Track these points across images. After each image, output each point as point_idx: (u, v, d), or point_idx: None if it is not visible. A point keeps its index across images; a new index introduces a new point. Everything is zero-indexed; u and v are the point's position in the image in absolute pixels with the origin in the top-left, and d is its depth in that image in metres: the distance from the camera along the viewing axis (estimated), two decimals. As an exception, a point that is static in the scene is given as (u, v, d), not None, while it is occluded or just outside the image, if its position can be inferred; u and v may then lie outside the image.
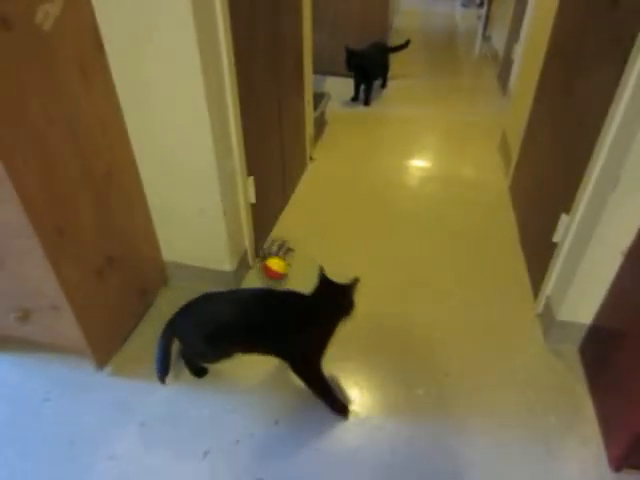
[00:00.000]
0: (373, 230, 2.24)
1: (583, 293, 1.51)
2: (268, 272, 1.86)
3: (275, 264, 1.85)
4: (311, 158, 2.78)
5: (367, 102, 3.58)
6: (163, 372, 1.40)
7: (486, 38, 5.13)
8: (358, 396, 1.49)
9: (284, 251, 1.95)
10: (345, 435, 1.38)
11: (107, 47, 1.34)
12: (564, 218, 1.57)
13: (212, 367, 1.54)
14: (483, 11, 5.27)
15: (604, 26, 1.54)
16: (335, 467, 1.30)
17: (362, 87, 3.59)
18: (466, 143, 3.10)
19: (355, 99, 3.64)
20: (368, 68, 3.50)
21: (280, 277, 1.86)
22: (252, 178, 1.79)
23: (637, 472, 1.28)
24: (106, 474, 1.28)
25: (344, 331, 1.35)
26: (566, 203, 1.56)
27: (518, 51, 3.16)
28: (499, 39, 4.36)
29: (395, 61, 3.93)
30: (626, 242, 1.36)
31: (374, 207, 2.41)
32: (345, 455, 1.33)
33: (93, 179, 1.39)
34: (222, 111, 1.51)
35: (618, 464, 1.28)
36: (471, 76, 4.40)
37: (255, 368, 1.55)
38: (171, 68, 1.34)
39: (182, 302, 1.51)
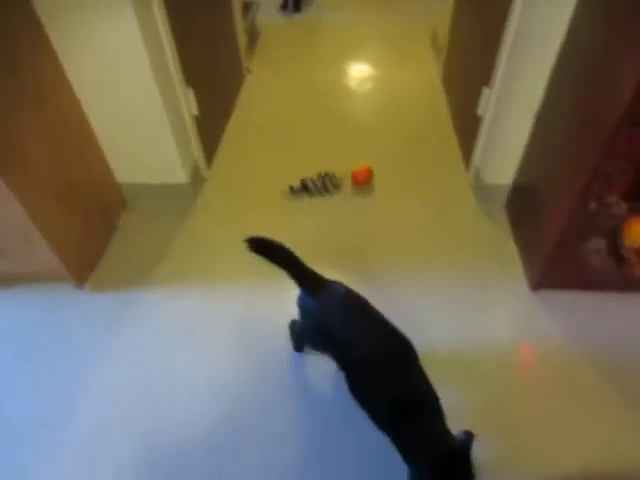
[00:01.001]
0: (317, 131, 2.34)
1: (503, 157, 1.72)
2: (358, 177, 1.99)
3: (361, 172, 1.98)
4: (248, 70, 2.77)
5: (297, 8, 3.51)
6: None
7: None
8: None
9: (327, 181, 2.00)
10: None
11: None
12: (485, 91, 1.72)
13: (186, 267, 1.70)
14: None
15: None
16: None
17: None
18: (399, 43, 3.15)
19: (285, 6, 3.55)
20: None
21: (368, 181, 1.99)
22: (192, 90, 1.83)
23: (547, 290, 1.58)
24: (112, 366, 1.44)
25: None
26: (486, 77, 1.71)
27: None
28: None
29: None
30: (535, 104, 1.54)
31: (315, 111, 2.49)
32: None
33: (31, 101, 1.40)
34: (152, 22, 1.51)
35: (535, 285, 1.57)
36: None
37: (220, 271, 1.71)
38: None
39: (145, 222, 1.60)
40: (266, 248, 1.13)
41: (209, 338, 1.50)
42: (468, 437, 0.90)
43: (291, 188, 1.97)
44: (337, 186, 2.00)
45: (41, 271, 1.60)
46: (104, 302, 1.61)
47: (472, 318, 1.53)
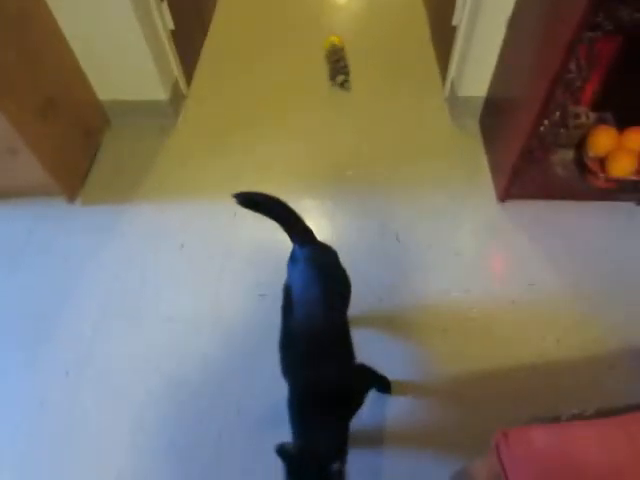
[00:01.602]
0: (294, 43, 2.33)
1: (478, 68, 1.76)
2: None
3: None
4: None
5: None
6: None
7: None
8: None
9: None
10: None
11: None
12: (457, 0, 1.73)
13: (173, 181, 1.77)
14: None
15: None
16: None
17: None
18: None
19: None
20: None
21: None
22: (166, 3, 1.79)
23: (513, 200, 1.69)
24: (102, 275, 1.56)
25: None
26: (461, -16, 1.71)
27: None
28: None
29: None
30: (507, 12, 1.56)
31: (293, 23, 2.45)
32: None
33: (7, 21, 1.40)
34: None
35: (502, 195, 1.68)
36: None
37: (206, 184, 1.79)
38: None
39: (128, 139, 1.60)
40: (256, 202, 1.10)
41: (196, 252, 1.60)
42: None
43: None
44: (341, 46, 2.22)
45: (30, 185, 1.67)
46: (96, 214, 1.71)
47: (440, 227, 1.65)
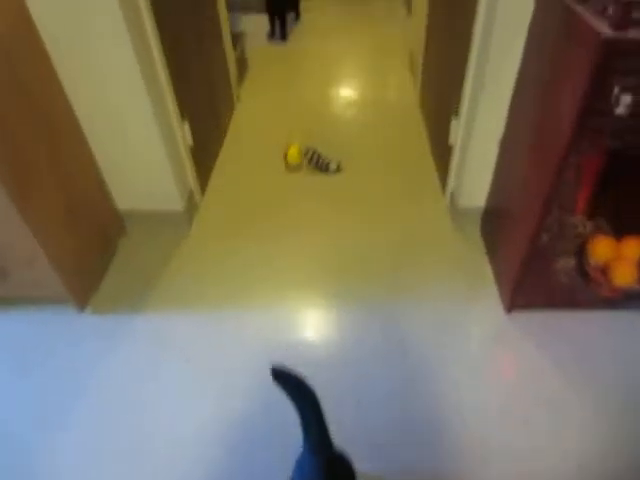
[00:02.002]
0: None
1: (475, 182, 1.86)
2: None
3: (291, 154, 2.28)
4: (238, 97, 2.93)
5: (284, 36, 3.68)
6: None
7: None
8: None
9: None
10: (299, 325, 1.71)
11: (39, 24, 1.46)
12: (454, 121, 1.88)
13: (184, 290, 1.82)
14: None
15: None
16: (292, 350, 1.63)
17: (277, 22, 3.67)
18: (381, 67, 3.33)
19: (272, 35, 3.73)
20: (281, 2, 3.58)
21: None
22: (187, 122, 1.96)
23: (521, 310, 1.70)
24: (105, 388, 1.54)
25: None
26: (455, 108, 1.86)
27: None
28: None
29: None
30: (498, 133, 1.69)
31: (301, 136, 2.64)
32: (299, 340, 1.66)
33: (40, 136, 1.52)
34: (149, 61, 1.66)
35: (508, 306, 1.69)
36: (381, 2, 4.52)
37: (216, 292, 1.83)
38: (95, 25, 1.48)
39: (143, 247, 1.67)
40: (290, 384, 0.97)
41: (203, 366, 1.59)
42: None
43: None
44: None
45: (43, 294, 1.71)
46: (104, 324, 1.72)
47: (445, 338, 1.64)
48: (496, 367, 1.57)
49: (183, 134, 1.94)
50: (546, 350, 1.60)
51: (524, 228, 1.53)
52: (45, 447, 1.40)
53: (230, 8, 2.76)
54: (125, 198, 1.97)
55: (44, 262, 1.57)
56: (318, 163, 2.30)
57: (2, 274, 1.63)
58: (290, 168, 2.31)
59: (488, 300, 1.75)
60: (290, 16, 3.79)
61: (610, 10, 1.10)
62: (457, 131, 1.85)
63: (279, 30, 3.67)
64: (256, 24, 3.78)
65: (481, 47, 1.59)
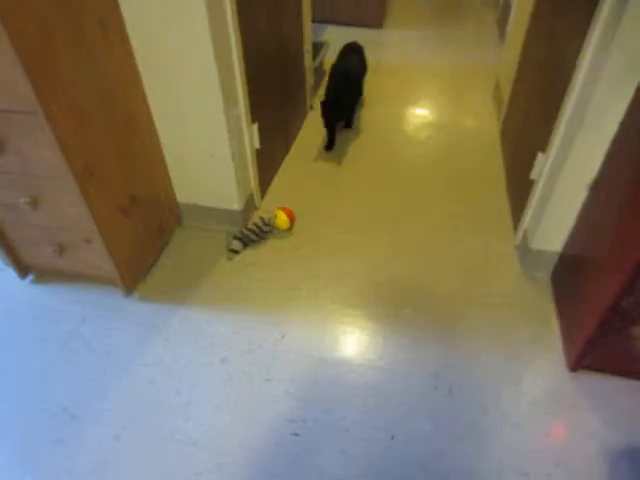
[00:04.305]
0: (371, 174, 2.40)
1: (554, 224, 1.70)
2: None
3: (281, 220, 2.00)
4: (311, 107, 2.90)
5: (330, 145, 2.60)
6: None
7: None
8: (353, 319, 1.72)
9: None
10: (342, 345, 1.62)
11: (123, 7, 1.47)
12: (540, 157, 1.73)
13: (229, 290, 1.78)
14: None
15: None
16: (331, 370, 1.54)
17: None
18: (463, 91, 3.19)
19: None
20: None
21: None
22: (256, 125, 1.94)
23: (587, 372, 1.53)
24: (139, 378, 1.52)
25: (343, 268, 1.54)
26: (543, 143, 1.72)
27: (516, -4, 3.19)
28: (501, -17, 4.32)
29: (398, 6, 3.97)
30: (590, 176, 1.53)
31: (373, 153, 2.56)
32: (339, 360, 1.57)
33: (115, 125, 1.55)
34: (228, 60, 1.64)
35: (573, 365, 1.52)
36: (472, 23, 4.39)
37: (261, 297, 1.78)
38: (181, 24, 1.48)
39: (195, 240, 1.64)
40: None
41: (238, 369, 1.55)
42: None
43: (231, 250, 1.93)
44: (268, 223, 1.98)
45: (95, 274, 1.73)
46: (148, 312, 1.72)
47: (498, 389, 1.50)
48: (545, 429, 1.41)
49: (251, 136, 1.92)
50: (607, 423, 1.42)
51: (607, 285, 1.36)
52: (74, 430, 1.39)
53: (315, 18, 2.75)
54: (186, 192, 1.97)
55: (100, 245, 1.58)
56: (253, 231, 1.97)
57: (60, 249, 1.66)
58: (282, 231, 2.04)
59: (550, 354, 1.59)
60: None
61: None
62: (542, 166, 1.70)
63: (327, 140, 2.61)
64: (339, 35, 3.75)
65: (585, 81, 1.44)
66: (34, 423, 1.41)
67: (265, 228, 1.97)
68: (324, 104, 2.41)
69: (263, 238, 1.99)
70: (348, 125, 2.74)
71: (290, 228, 2.03)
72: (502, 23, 3.82)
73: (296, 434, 1.37)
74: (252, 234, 1.96)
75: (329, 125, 2.52)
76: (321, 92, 3.08)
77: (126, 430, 1.39)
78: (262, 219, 1.98)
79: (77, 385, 1.51)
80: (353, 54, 2.75)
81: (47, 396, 1.48)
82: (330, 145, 2.58)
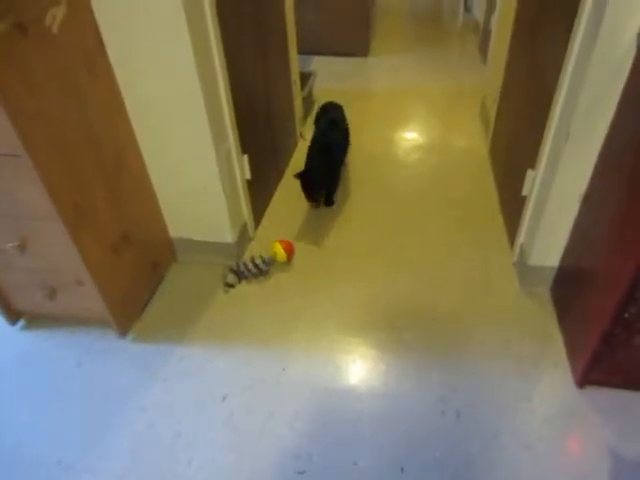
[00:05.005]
0: (366, 199, 2.40)
1: (549, 239, 1.69)
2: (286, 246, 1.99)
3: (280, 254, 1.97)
4: (301, 135, 2.92)
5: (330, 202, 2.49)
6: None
7: (467, 9, 5.20)
8: (355, 345, 1.68)
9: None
10: (345, 374, 1.58)
11: (107, 44, 1.49)
12: (530, 173, 1.73)
13: (227, 324, 1.74)
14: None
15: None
16: (335, 400, 1.50)
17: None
18: (450, 112, 3.24)
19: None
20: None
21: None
22: (246, 156, 1.95)
23: (596, 387, 1.49)
24: (137, 422, 1.47)
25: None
26: (531, 159, 1.72)
27: (494, 20, 3.27)
28: (479, 10, 4.44)
29: (382, 33, 4.10)
30: (581, 189, 1.53)
31: (365, 178, 2.57)
32: (343, 390, 1.53)
33: (103, 163, 1.54)
34: (215, 95, 1.66)
35: (580, 380, 1.48)
36: (454, 47, 4.49)
37: (260, 330, 1.74)
38: (167, 63, 1.49)
39: (191, 275, 1.61)
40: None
41: (239, 405, 1.51)
42: None
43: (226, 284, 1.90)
44: (269, 263, 1.94)
45: (88, 316, 1.70)
46: (144, 353, 1.68)
47: (507, 410, 1.46)
48: (559, 449, 1.36)
49: (242, 167, 1.92)
50: (621, 437, 1.37)
51: (608, 297, 1.34)
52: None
53: (302, 50, 2.80)
54: (178, 227, 1.96)
55: (91, 287, 1.55)
56: (250, 270, 1.92)
57: (51, 293, 1.63)
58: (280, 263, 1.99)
59: (557, 370, 1.55)
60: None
61: None
62: (532, 182, 1.70)
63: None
64: (326, 65, 3.82)
65: (568, 96, 1.46)
66: None
67: (264, 267, 1.93)
68: (301, 176, 2.13)
69: (263, 275, 1.96)
70: (329, 202, 2.34)
71: (289, 261, 2.01)
72: (483, 45, 3.91)
73: (302, 472, 1.31)
74: (250, 272, 1.91)
75: (311, 198, 2.24)
76: (310, 121, 3.12)
77: (126, 479, 1.33)
78: (262, 258, 1.93)
79: (73, 433, 1.45)
80: (333, 124, 2.42)
81: (40, 448, 1.42)
82: (327, 202, 2.33)
